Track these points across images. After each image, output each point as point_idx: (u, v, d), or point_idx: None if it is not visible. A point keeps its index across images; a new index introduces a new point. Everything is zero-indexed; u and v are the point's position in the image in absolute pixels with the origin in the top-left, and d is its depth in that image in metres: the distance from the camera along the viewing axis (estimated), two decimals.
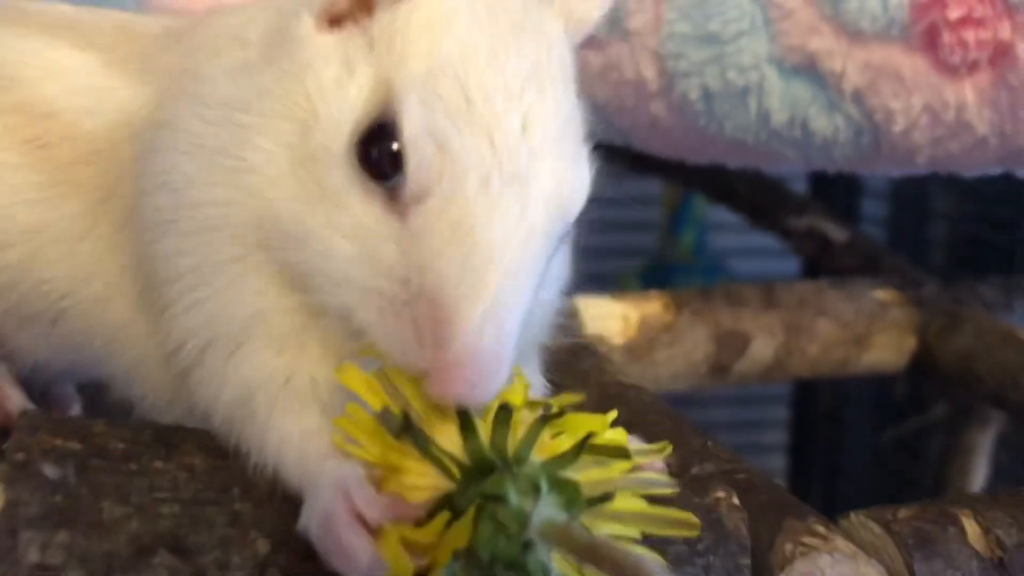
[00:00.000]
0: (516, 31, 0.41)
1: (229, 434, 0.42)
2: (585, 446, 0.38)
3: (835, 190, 1.34)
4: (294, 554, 0.41)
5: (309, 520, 0.39)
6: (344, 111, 0.40)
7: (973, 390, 0.78)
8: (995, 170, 0.68)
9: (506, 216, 0.37)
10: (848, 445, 1.43)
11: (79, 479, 0.40)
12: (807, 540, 0.47)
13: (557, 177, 0.39)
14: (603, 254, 1.37)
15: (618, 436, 0.40)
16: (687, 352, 0.78)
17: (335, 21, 0.42)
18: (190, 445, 0.42)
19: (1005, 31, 0.60)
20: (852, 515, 0.50)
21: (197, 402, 0.43)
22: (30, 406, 0.50)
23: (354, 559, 0.37)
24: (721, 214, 1.31)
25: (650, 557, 0.36)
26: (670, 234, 1.46)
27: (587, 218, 0.44)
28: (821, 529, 0.48)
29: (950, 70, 0.61)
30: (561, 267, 0.45)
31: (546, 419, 0.39)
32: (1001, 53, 0.60)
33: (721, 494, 0.47)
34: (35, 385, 0.53)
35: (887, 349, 0.82)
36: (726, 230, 1.43)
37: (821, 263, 1.08)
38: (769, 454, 1.50)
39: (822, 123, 0.66)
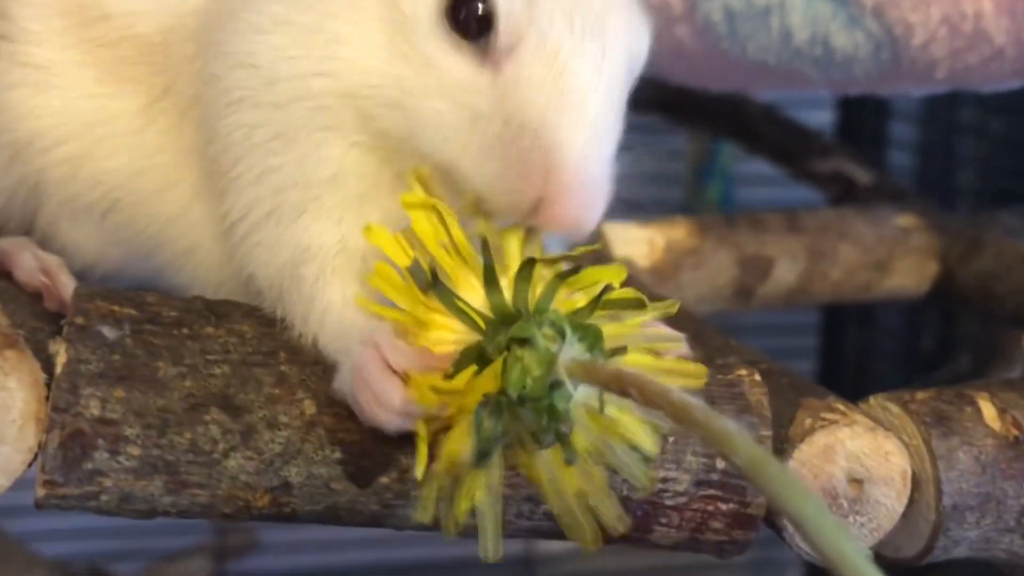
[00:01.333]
0: None
1: (276, 303, 0.45)
2: (600, 300, 0.40)
3: (861, 140, 1.34)
4: (338, 416, 0.43)
5: (343, 378, 0.41)
6: None
7: (994, 311, 0.80)
8: (1012, 83, 0.69)
9: (592, 54, 0.41)
10: None
11: (135, 341, 0.42)
12: (826, 415, 0.48)
13: (625, 28, 0.42)
14: (629, 207, 1.38)
15: (631, 292, 0.42)
16: (712, 275, 0.79)
17: None
18: (239, 315, 0.45)
19: None
20: (871, 398, 0.52)
21: (247, 270, 0.45)
22: None
23: (387, 402, 0.39)
24: (748, 167, 1.32)
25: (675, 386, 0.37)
26: (696, 187, 1.47)
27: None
28: (840, 406, 0.49)
29: None
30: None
31: (564, 275, 0.41)
32: None
33: (743, 371, 0.49)
34: None
35: (909, 274, 0.83)
36: (753, 183, 1.43)
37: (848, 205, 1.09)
38: None
39: (843, 40, 0.68)
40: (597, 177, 0.40)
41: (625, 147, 0.45)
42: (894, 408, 0.50)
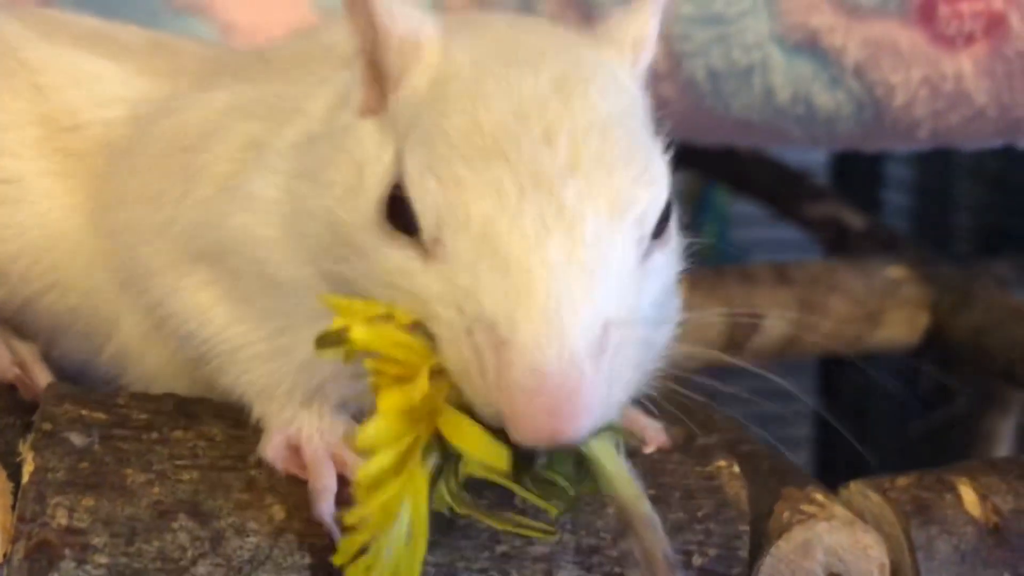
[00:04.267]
0: (533, 55, 0.40)
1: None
2: None
3: (857, 180, 1.33)
4: (308, 520, 0.43)
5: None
6: (378, 181, 0.39)
7: (984, 366, 0.79)
8: (995, 143, 0.69)
9: (534, 224, 0.35)
10: (874, 440, 1.43)
11: (103, 447, 0.42)
12: (805, 508, 0.48)
13: (601, 172, 0.37)
14: None
15: None
16: (701, 329, 0.79)
17: (372, 111, 0.42)
18: (210, 416, 0.44)
19: (998, 2, 0.61)
20: (851, 484, 0.51)
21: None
22: None
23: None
24: (743, 208, 1.31)
25: None
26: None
27: None
28: (819, 497, 0.49)
29: (947, 42, 0.62)
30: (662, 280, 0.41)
31: None
32: (995, 24, 0.61)
33: (722, 463, 0.49)
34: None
35: (900, 326, 0.83)
36: (748, 224, 1.43)
37: (840, 251, 1.08)
38: (794, 448, 1.50)
39: (825, 99, 0.67)
40: (560, 373, 0.33)
41: None
42: (874, 496, 0.50)
